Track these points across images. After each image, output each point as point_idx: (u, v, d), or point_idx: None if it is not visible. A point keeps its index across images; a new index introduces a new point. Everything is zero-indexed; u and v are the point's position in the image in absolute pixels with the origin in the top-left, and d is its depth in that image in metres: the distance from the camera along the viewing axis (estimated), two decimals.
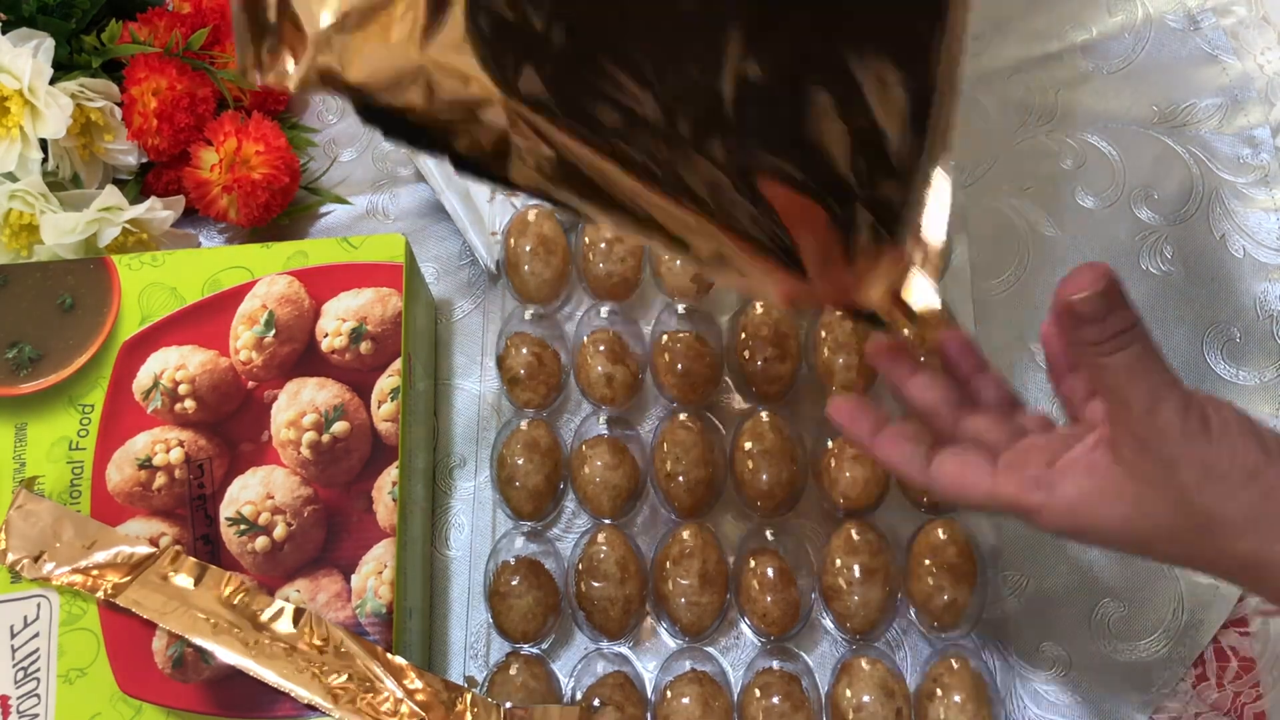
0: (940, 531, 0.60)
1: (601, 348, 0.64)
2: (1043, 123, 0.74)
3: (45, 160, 0.67)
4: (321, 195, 0.74)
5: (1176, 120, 0.73)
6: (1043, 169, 0.72)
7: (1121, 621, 0.62)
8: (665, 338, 0.65)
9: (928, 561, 0.60)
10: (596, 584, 0.60)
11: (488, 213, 0.71)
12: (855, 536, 0.60)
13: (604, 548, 0.61)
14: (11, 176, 0.67)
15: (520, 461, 0.62)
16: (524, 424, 0.64)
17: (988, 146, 0.73)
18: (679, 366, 0.64)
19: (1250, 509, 0.41)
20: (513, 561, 0.61)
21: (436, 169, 0.71)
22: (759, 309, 0.65)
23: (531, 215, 0.68)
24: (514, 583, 0.60)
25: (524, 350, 0.65)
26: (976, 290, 0.69)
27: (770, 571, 0.60)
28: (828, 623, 0.62)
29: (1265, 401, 0.66)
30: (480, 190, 0.71)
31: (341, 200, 0.74)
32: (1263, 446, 0.41)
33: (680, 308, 0.66)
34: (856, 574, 0.59)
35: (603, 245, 0.66)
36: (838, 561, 0.60)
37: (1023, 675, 0.61)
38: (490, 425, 0.67)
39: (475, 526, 0.65)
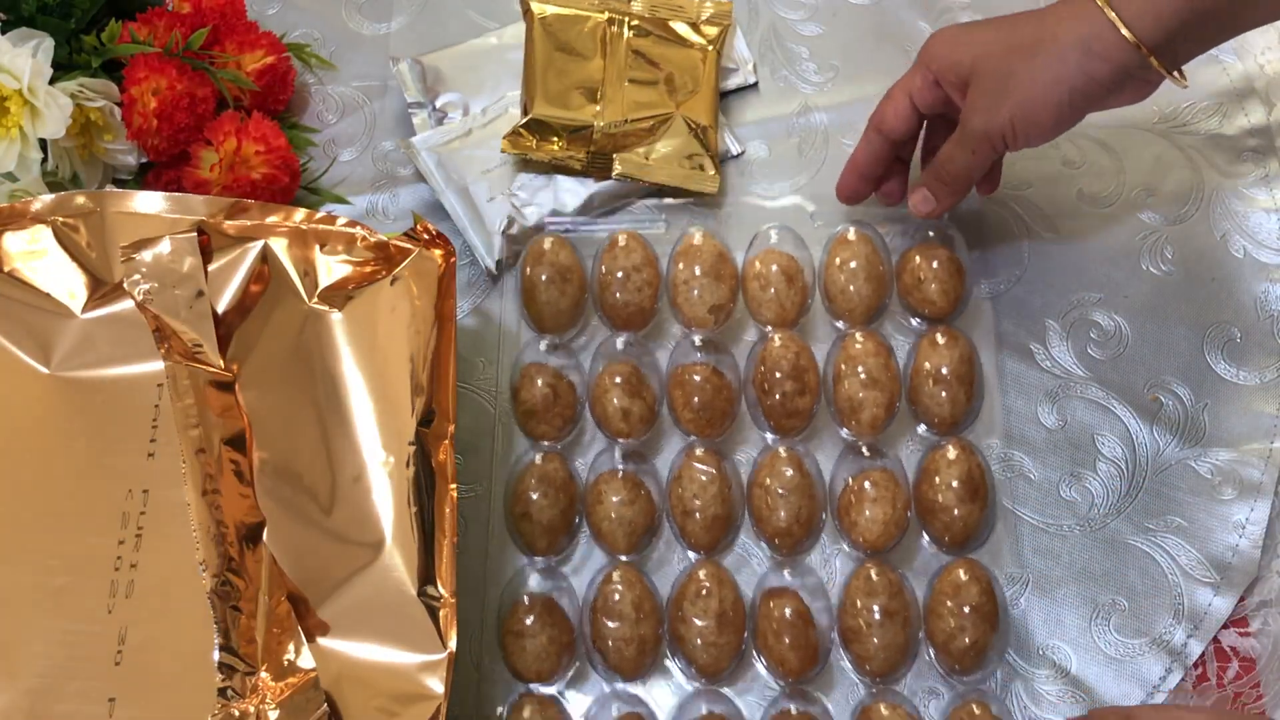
0: (962, 572, 0.59)
1: (619, 380, 0.63)
2: None
3: (45, 160, 0.67)
4: (321, 195, 0.73)
5: (1177, 120, 0.73)
6: (1043, 169, 0.72)
7: (1121, 622, 0.62)
8: (682, 371, 0.63)
9: (950, 603, 0.58)
10: (612, 624, 0.59)
11: (487, 212, 0.71)
12: (875, 577, 0.59)
13: (619, 587, 0.59)
14: (11, 176, 0.67)
15: (535, 496, 0.61)
16: (538, 457, 0.63)
17: None
18: (695, 400, 0.62)
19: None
20: (526, 600, 0.60)
21: (436, 169, 0.71)
22: (777, 341, 0.63)
23: (547, 243, 0.66)
24: (528, 621, 0.59)
25: (539, 382, 0.63)
26: (977, 290, 0.69)
27: (788, 613, 0.58)
28: (847, 665, 0.60)
29: (1265, 401, 0.66)
30: (480, 190, 0.71)
31: (341, 200, 0.73)
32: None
33: (697, 338, 0.65)
34: (876, 615, 0.58)
35: (619, 275, 0.65)
36: (857, 603, 0.59)
37: (1023, 675, 0.61)
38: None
39: (489, 566, 0.63)
